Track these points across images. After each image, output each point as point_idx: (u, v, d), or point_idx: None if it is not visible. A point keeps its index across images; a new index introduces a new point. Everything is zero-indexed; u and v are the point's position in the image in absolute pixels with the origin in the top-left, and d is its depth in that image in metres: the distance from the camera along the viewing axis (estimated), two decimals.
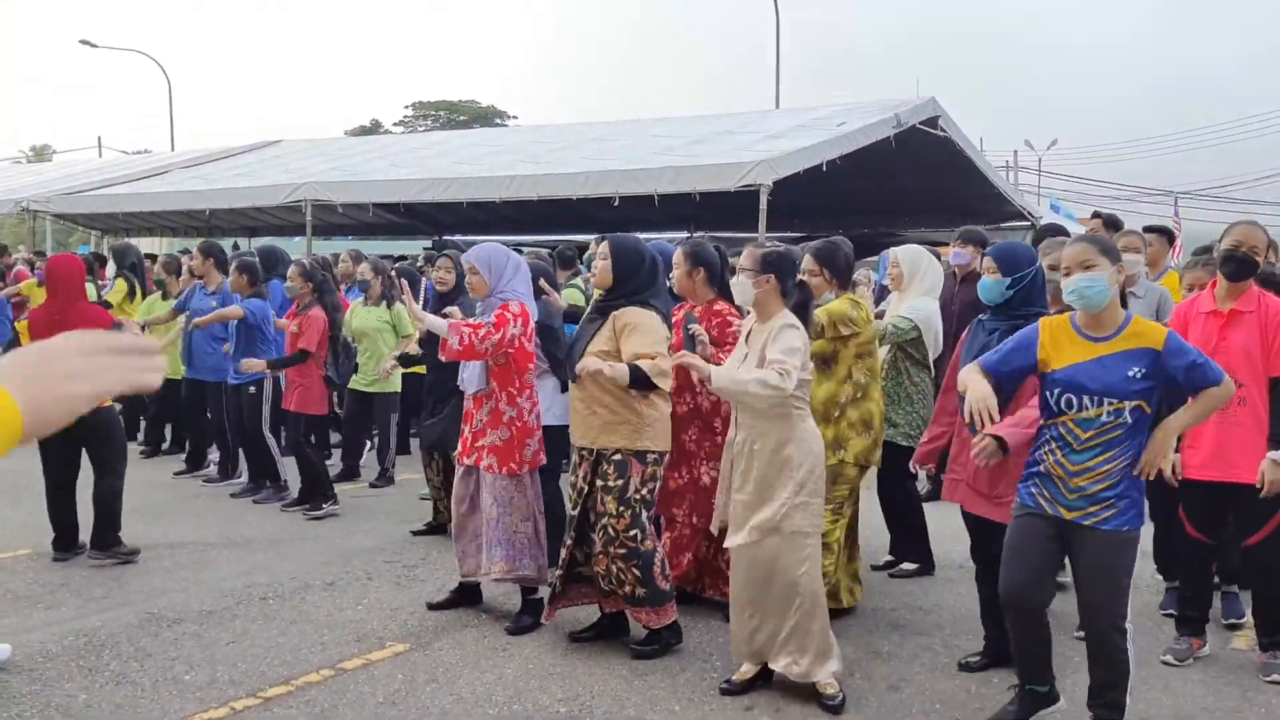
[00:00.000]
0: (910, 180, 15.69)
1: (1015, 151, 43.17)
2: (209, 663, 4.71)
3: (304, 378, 7.53)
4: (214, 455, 8.86)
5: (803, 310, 4.36)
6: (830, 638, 4.29)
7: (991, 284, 4.43)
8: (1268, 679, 4.52)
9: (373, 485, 8.44)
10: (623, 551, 4.64)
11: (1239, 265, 4.65)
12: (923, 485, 6.87)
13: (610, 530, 4.65)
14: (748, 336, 4.40)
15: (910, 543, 6.09)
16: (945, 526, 6.21)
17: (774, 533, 4.20)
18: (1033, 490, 3.81)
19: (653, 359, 4.49)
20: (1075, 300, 3.72)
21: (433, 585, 5.80)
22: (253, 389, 7.88)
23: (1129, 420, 3.63)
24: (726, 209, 12.76)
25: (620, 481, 4.63)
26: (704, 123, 16.09)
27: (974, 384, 3.75)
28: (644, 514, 4.68)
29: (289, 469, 7.90)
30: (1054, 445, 3.74)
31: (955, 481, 4.51)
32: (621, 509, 4.63)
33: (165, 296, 9.67)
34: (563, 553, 4.84)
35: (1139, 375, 3.61)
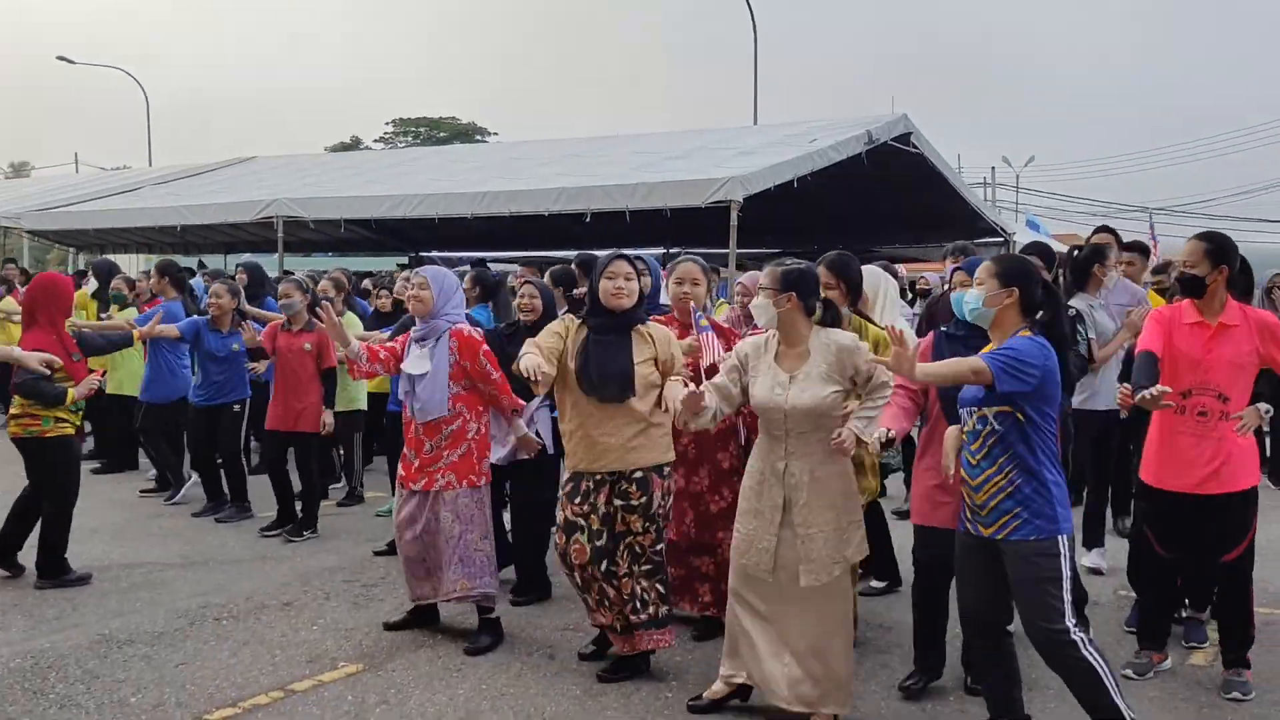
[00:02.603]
0: (883, 197, 15.71)
1: (993, 168, 43.52)
2: (157, 685, 4.63)
3: (312, 396, 7.28)
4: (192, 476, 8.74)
5: (827, 320, 4.33)
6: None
7: (968, 297, 4.43)
8: (1227, 696, 4.50)
9: (340, 504, 8.36)
10: (649, 568, 4.61)
11: (1185, 285, 4.67)
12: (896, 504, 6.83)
13: (638, 547, 4.61)
14: (777, 358, 4.23)
15: (877, 561, 6.06)
16: (908, 542, 6.19)
17: (845, 564, 4.17)
18: (963, 512, 3.88)
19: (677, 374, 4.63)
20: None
21: (391, 605, 5.73)
22: (236, 408, 7.81)
23: (996, 427, 3.68)
24: (698, 225, 12.74)
25: (644, 499, 4.58)
26: (679, 139, 16.10)
27: (950, 436, 3.96)
28: (666, 528, 4.69)
29: (258, 487, 7.83)
30: (962, 462, 3.82)
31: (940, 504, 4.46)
32: (648, 525, 4.59)
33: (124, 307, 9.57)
34: (608, 589, 4.63)
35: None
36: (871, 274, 5.96)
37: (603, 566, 4.60)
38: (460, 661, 4.92)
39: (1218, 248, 4.62)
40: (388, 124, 53.27)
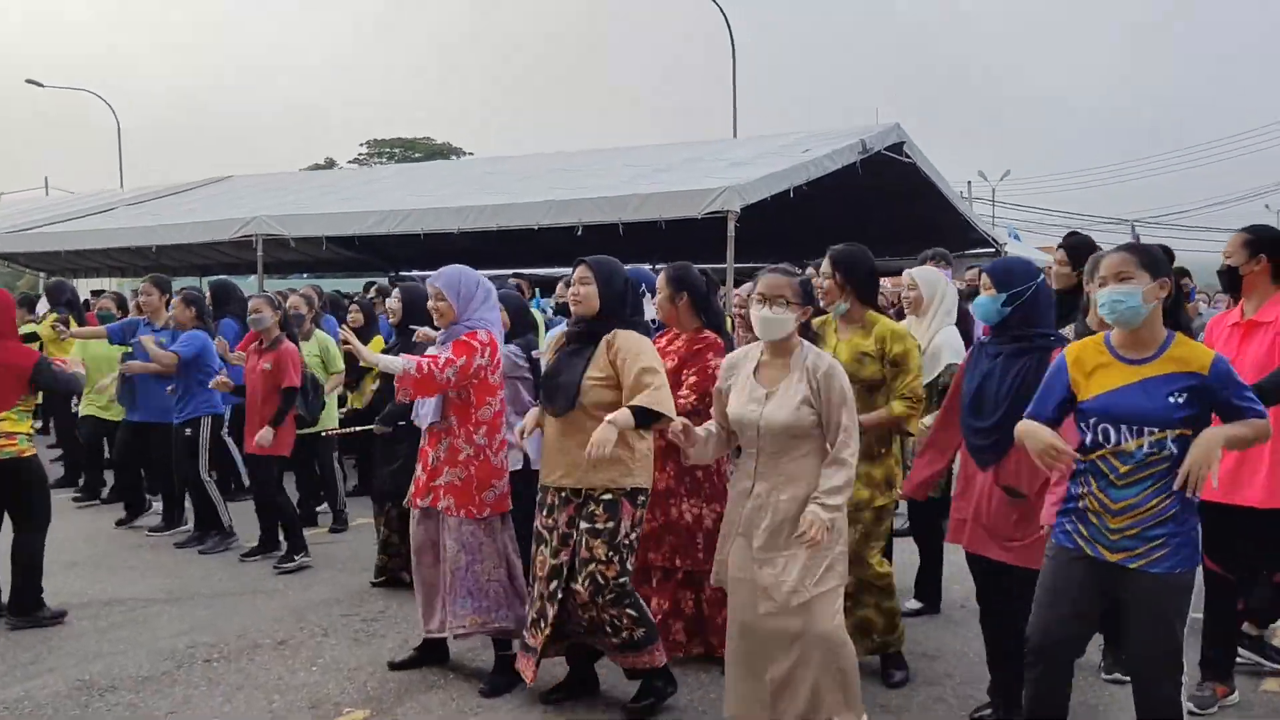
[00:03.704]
0: (875, 208, 15.44)
1: (969, 182, 43.48)
2: None
3: (268, 418, 6.89)
4: (158, 503, 8.32)
5: (809, 333, 4.01)
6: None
7: (987, 302, 4.08)
8: None
9: (332, 530, 7.94)
10: (612, 597, 4.21)
11: (1221, 278, 4.44)
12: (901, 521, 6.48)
13: (599, 578, 4.20)
14: (756, 370, 3.91)
15: (924, 581, 5.73)
16: (945, 564, 5.85)
17: (809, 593, 3.75)
18: (1068, 528, 3.43)
19: (654, 387, 4.13)
20: (1106, 314, 3.37)
21: (394, 641, 5.32)
22: (188, 430, 7.37)
23: (1174, 451, 3.25)
24: (693, 238, 12.36)
25: (611, 524, 4.20)
26: (668, 151, 15.78)
27: (1032, 432, 3.43)
28: (630, 558, 4.28)
29: (241, 514, 7.40)
30: (1092, 480, 3.37)
31: (961, 522, 4.11)
32: (611, 554, 4.19)
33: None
34: (549, 609, 4.31)
35: (1181, 401, 3.25)
36: (932, 277, 5.62)
37: (551, 585, 4.27)
38: (476, 704, 4.52)
39: (1257, 238, 4.34)
40: (362, 145, 52.89)
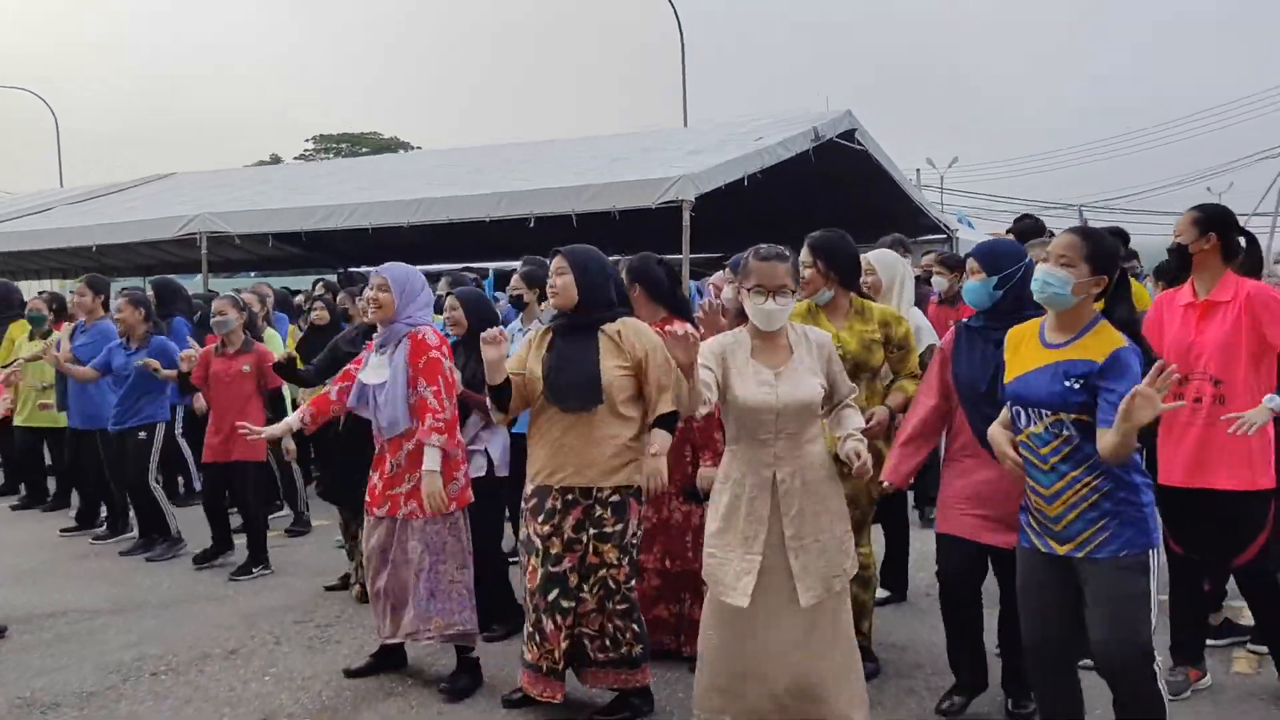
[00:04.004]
0: (828, 195, 15.39)
1: (918, 170, 43.67)
2: None
3: (254, 422, 6.42)
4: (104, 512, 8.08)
5: None
6: None
7: (977, 286, 3.99)
8: None
9: (289, 532, 7.74)
10: (624, 606, 4.07)
11: (1171, 256, 4.40)
12: None
13: (611, 583, 4.05)
14: (751, 351, 3.76)
15: (890, 568, 5.66)
16: (912, 552, 5.79)
17: (846, 577, 3.72)
18: (1025, 527, 3.42)
19: (672, 386, 4.03)
20: (1035, 289, 3.35)
21: (350, 647, 5.16)
22: (142, 434, 7.14)
23: (1073, 434, 3.23)
24: (648, 228, 12.23)
25: (620, 526, 4.04)
26: (619, 141, 15.63)
27: (993, 436, 3.51)
28: (636, 560, 4.16)
29: (189, 519, 7.19)
30: (1028, 472, 3.36)
31: (957, 511, 4.01)
32: (622, 557, 4.05)
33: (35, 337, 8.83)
34: (547, 622, 4.05)
35: (1077, 387, 3.21)
36: (890, 261, 5.49)
37: (550, 596, 4.04)
38: (437, 711, 4.37)
39: (1206, 216, 4.31)
40: (308, 141, 52.22)
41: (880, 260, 5.38)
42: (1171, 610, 4.51)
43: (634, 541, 4.09)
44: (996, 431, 3.48)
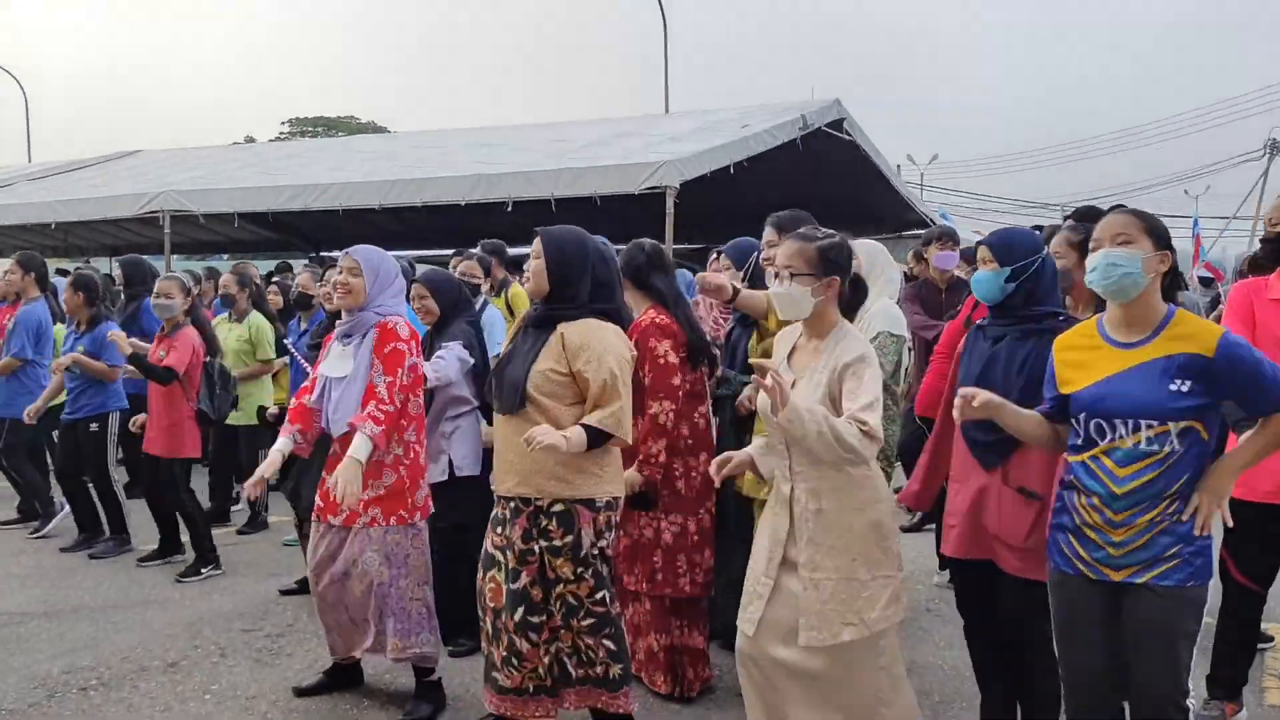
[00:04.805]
0: (813, 186, 14.96)
1: (898, 166, 43.41)
2: None
3: (171, 413, 6.20)
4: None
5: (850, 314, 3.42)
6: None
7: (989, 277, 3.56)
8: None
9: (241, 531, 7.27)
10: (590, 622, 3.63)
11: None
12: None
13: (572, 599, 3.61)
14: (790, 355, 3.38)
15: None
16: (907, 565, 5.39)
17: (864, 628, 3.19)
18: (1065, 550, 2.98)
19: (613, 407, 3.53)
20: (1097, 280, 2.90)
21: (302, 661, 4.72)
22: (94, 426, 6.66)
23: (1177, 448, 2.80)
24: (629, 215, 11.82)
25: (570, 538, 3.58)
26: (600, 126, 15.19)
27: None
28: (606, 572, 3.69)
29: (138, 514, 6.72)
30: (1086, 489, 2.91)
31: (954, 529, 3.59)
32: (581, 570, 3.59)
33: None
34: (520, 642, 3.64)
35: (1184, 390, 2.79)
36: (871, 251, 5.02)
37: (517, 615, 3.62)
38: None
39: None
40: (283, 124, 51.52)
41: (861, 246, 4.94)
42: (1217, 641, 4.08)
43: (594, 553, 3.63)
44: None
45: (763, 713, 3.35)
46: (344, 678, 4.38)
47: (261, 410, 7.00)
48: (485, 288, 5.92)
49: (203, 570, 6.15)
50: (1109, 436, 2.87)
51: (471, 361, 4.79)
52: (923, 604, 5.41)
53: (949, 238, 7.07)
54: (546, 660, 3.68)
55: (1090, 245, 2.98)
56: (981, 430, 3.34)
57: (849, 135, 13.90)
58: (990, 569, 3.49)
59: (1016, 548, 3.33)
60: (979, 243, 3.77)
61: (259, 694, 4.36)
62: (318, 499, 4.17)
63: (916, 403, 5.06)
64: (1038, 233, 3.91)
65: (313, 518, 4.23)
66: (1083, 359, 2.98)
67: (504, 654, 3.67)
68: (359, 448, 3.88)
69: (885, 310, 4.78)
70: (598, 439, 3.50)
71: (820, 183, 14.72)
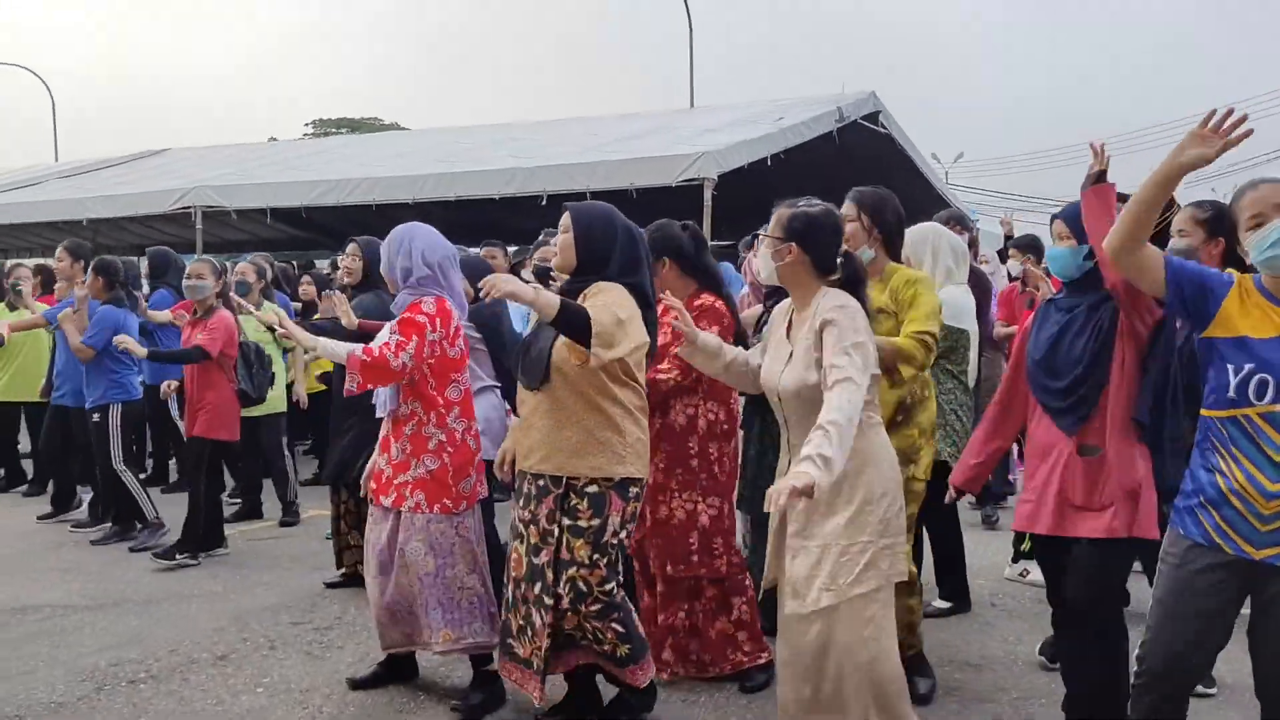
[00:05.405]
0: (847, 180, 14.59)
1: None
2: None
3: (213, 394, 6.14)
4: (86, 494, 7.52)
5: (852, 288, 3.29)
6: None
7: (1066, 254, 3.43)
8: None
9: (282, 524, 7.18)
10: (597, 608, 3.54)
11: None
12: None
13: (581, 585, 3.52)
14: (788, 330, 3.33)
15: (946, 576, 5.09)
16: (970, 559, 5.25)
17: (843, 593, 3.06)
18: (1201, 517, 2.76)
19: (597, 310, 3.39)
20: (1262, 259, 2.67)
21: (353, 654, 4.60)
22: (96, 416, 6.56)
23: None
24: (665, 208, 11.69)
25: (596, 521, 3.50)
26: (633, 120, 15.05)
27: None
28: (620, 561, 3.61)
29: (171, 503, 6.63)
30: (1235, 452, 2.69)
31: (1036, 505, 3.44)
32: (596, 557, 3.51)
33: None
34: (536, 615, 3.59)
35: None
36: (918, 237, 4.87)
37: (535, 589, 3.57)
38: None
39: None
40: (307, 125, 51.60)
41: (910, 234, 4.77)
42: None
43: (614, 541, 3.55)
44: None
45: (786, 682, 3.22)
46: (398, 670, 4.25)
47: (289, 390, 6.95)
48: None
49: (177, 556, 6.10)
50: (1270, 396, 2.63)
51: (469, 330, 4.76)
52: (987, 599, 5.25)
53: (957, 221, 6.93)
54: (548, 642, 3.59)
55: (1246, 220, 2.73)
56: (1055, 397, 3.21)
57: (884, 128, 13.73)
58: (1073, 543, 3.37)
59: (1091, 508, 3.19)
60: (1053, 217, 3.61)
61: (311, 687, 4.24)
62: (371, 482, 4.05)
63: None
64: None
65: (368, 503, 4.12)
66: (1245, 308, 2.72)
67: (520, 623, 3.65)
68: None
69: (959, 305, 4.63)
70: (573, 324, 3.33)
71: (856, 176, 14.49)
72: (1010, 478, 7.70)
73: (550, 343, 3.53)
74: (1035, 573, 5.44)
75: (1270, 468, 2.64)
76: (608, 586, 3.54)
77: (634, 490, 3.60)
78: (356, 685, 4.21)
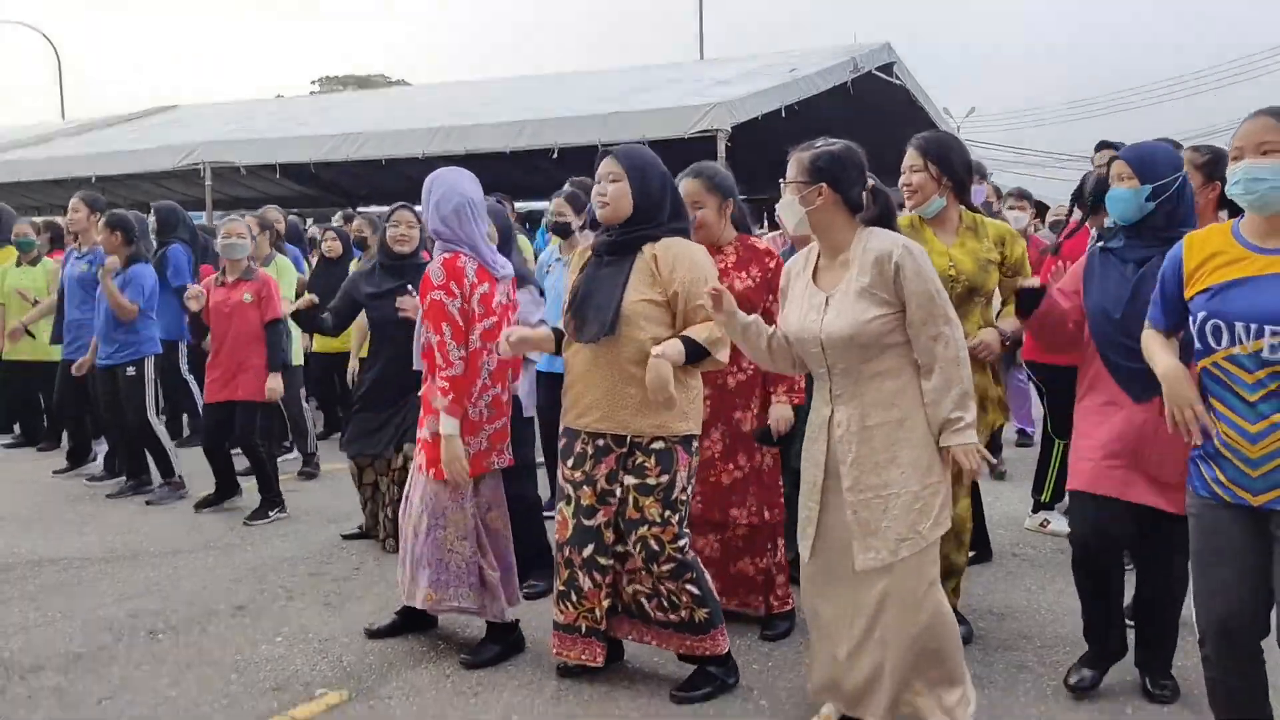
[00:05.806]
0: (861, 133, 14.55)
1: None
2: None
3: (255, 358, 6.06)
4: (101, 448, 7.52)
5: (885, 224, 3.19)
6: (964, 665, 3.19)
7: (1128, 195, 3.33)
8: None
9: (301, 475, 7.17)
10: (670, 567, 3.47)
11: None
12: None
13: (654, 543, 3.44)
14: (814, 275, 3.20)
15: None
16: (988, 510, 5.20)
17: (922, 539, 3.02)
18: (1205, 473, 2.73)
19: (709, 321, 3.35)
20: (1240, 193, 2.66)
21: (372, 605, 4.58)
22: (131, 370, 6.54)
23: None
24: (677, 161, 11.60)
25: (665, 478, 3.43)
26: (644, 73, 14.88)
27: (1168, 374, 2.76)
28: (687, 517, 3.53)
29: (192, 460, 6.62)
30: (1214, 403, 2.70)
31: (1107, 467, 3.34)
32: (668, 514, 3.44)
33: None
34: (582, 579, 3.54)
35: None
36: None
37: (585, 552, 3.50)
38: (476, 682, 3.77)
39: None
40: (314, 82, 51.48)
41: None
42: None
43: (683, 497, 3.48)
44: (1168, 367, 2.78)
45: (829, 645, 3.20)
46: (417, 620, 4.23)
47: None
48: (576, 224, 5.73)
49: (269, 514, 6.05)
50: (1223, 342, 2.63)
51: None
52: (1008, 549, 5.21)
53: (977, 172, 6.85)
54: (606, 603, 3.55)
55: (1231, 153, 2.72)
56: (1134, 358, 3.10)
57: (899, 80, 13.56)
58: (1145, 514, 3.31)
59: (1175, 484, 3.13)
60: (1114, 156, 3.51)
61: (331, 636, 4.23)
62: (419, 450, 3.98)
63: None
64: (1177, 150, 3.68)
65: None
66: (1210, 260, 2.73)
67: (562, 588, 3.59)
68: (445, 424, 3.73)
69: None
70: (693, 355, 3.34)
71: (870, 129, 14.34)
72: (1029, 430, 7.65)
73: (618, 295, 3.42)
74: (1055, 523, 5.42)
75: (1246, 409, 2.62)
76: (680, 543, 3.48)
77: (695, 445, 3.55)
78: (375, 634, 4.20)
